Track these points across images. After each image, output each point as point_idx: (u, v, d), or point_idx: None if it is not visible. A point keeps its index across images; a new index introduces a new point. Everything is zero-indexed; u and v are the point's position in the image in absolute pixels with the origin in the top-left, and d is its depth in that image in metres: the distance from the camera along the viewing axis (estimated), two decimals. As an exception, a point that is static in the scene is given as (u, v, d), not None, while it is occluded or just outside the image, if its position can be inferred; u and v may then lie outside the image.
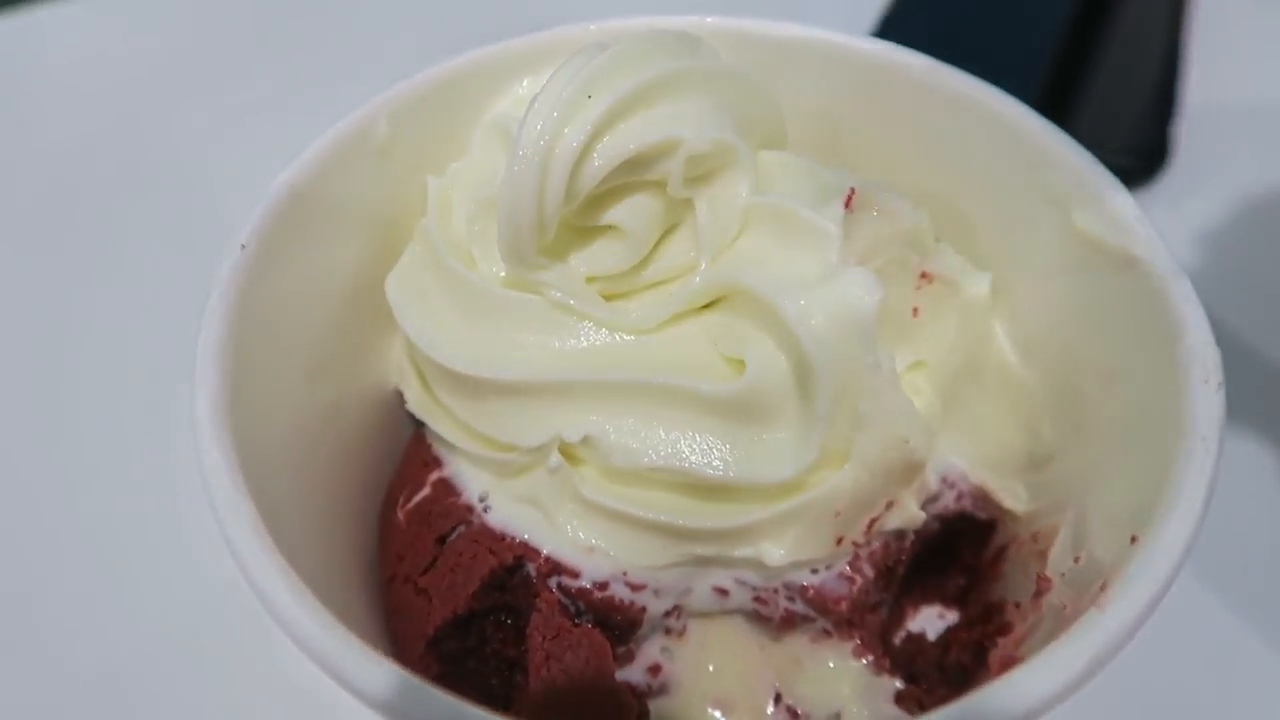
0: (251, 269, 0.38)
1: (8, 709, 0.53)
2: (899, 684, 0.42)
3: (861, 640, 0.42)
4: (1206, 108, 0.80)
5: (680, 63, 0.39)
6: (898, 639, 0.47)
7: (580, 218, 0.39)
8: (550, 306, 0.40)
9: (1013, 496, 0.43)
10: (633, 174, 0.38)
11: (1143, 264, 0.37)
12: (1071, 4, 0.88)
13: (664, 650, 0.41)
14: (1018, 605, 0.42)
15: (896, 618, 0.47)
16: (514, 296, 0.40)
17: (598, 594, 0.39)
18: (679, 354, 0.39)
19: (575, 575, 0.39)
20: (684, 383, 0.37)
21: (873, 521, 0.40)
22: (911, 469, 0.40)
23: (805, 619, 0.41)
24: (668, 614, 0.40)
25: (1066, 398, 0.41)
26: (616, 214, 0.39)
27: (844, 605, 0.40)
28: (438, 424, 0.43)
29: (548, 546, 0.39)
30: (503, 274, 0.41)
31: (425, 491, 0.43)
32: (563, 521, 0.39)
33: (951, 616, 0.48)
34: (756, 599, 0.41)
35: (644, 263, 0.41)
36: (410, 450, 0.46)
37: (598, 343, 0.40)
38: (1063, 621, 0.33)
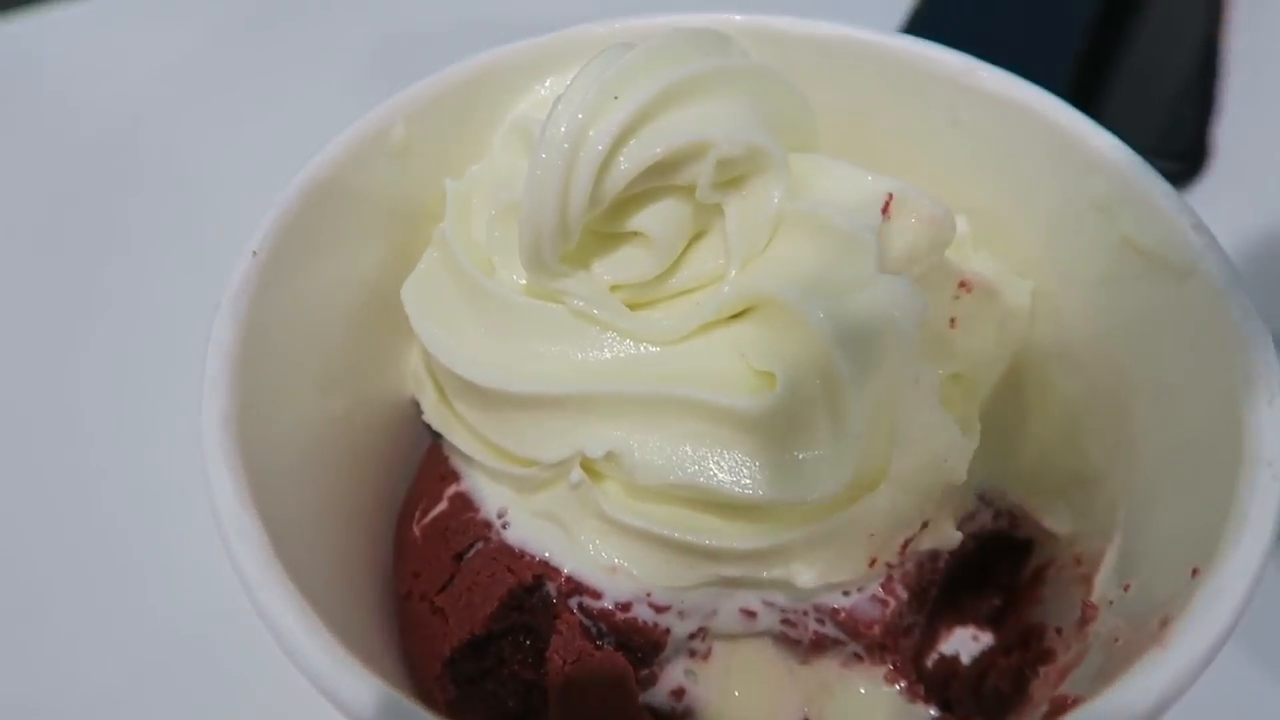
0: (263, 276, 0.37)
1: (16, 712, 0.53)
2: (933, 711, 0.41)
3: (894, 665, 0.41)
4: (1247, 107, 0.78)
5: (710, 62, 0.38)
6: (930, 661, 0.46)
7: (604, 223, 0.38)
8: (572, 316, 0.39)
9: (1053, 516, 0.42)
10: (660, 178, 0.37)
11: (1198, 274, 0.35)
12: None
13: (688, 673, 0.40)
14: (1059, 631, 0.40)
15: (929, 638, 0.46)
16: (535, 305, 0.39)
17: (620, 615, 0.38)
18: (706, 366, 0.38)
19: (597, 596, 0.38)
20: (712, 397, 0.36)
21: (907, 542, 0.39)
22: (949, 488, 0.38)
23: (836, 642, 0.40)
24: (692, 636, 0.39)
25: (1113, 414, 0.39)
26: (642, 220, 0.38)
27: (877, 629, 0.39)
28: (455, 436, 0.42)
29: (569, 565, 0.38)
30: (523, 281, 0.41)
31: (442, 506, 0.42)
32: (584, 540, 0.38)
33: (985, 639, 0.46)
34: (785, 621, 0.39)
35: (670, 271, 0.39)
36: (426, 462, 0.45)
37: (622, 354, 0.39)
38: (1116, 655, 0.31)
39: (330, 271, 0.41)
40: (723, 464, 0.37)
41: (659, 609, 0.38)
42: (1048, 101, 0.42)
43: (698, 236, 0.40)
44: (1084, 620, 0.37)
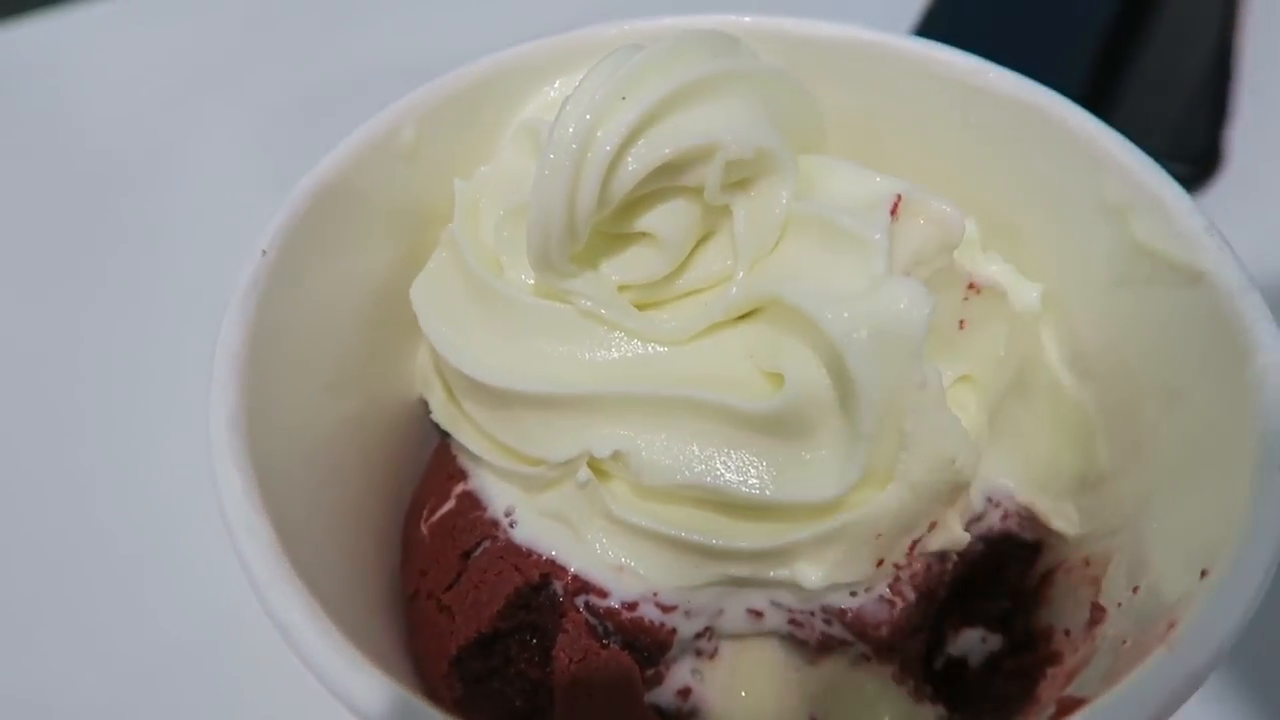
0: (272, 275, 0.37)
1: (17, 713, 0.53)
2: (941, 712, 0.41)
3: (901, 666, 0.41)
4: (1260, 110, 0.77)
5: (718, 63, 0.38)
6: (938, 662, 0.45)
7: (613, 224, 0.38)
8: (580, 316, 0.39)
9: (1063, 518, 0.42)
10: (668, 179, 0.37)
11: (1209, 277, 0.35)
12: (1115, 2, 0.86)
13: (694, 672, 0.40)
14: (1067, 633, 0.40)
15: (936, 639, 0.46)
16: (543, 305, 0.39)
17: (626, 615, 0.38)
18: (714, 367, 0.38)
19: (604, 595, 0.38)
20: (719, 397, 0.36)
21: (915, 543, 0.39)
22: (957, 489, 0.38)
23: (843, 643, 0.40)
24: (699, 636, 0.39)
25: (1123, 417, 0.39)
26: (650, 220, 0.38)
27: (884, 630, 0.39)
28: (463, 435, 0.42)
29: (575, 564, 0.38)
30: (532, 282, 0.41)
31: (450, 505, 0.42)
32: (591, 539, 0.38)
33: (994, 640, 0.46)
34: (792, 622, 0.39)
35: (678, 271, 0.39)
36: (434, 461, 0.46)
37: (629, 354, 0.39)
38: (1123, 657, 0.31)
39: (339, 271, 0.41)
40: (730, 464, 0.37)
41: (665, 608, 0.38)
42: (1058, 103, 0.42)
43: (706, 237, 0.40)
44: (1092, 622, 0.37)
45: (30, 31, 0.96)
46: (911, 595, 0.39)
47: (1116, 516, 0.39)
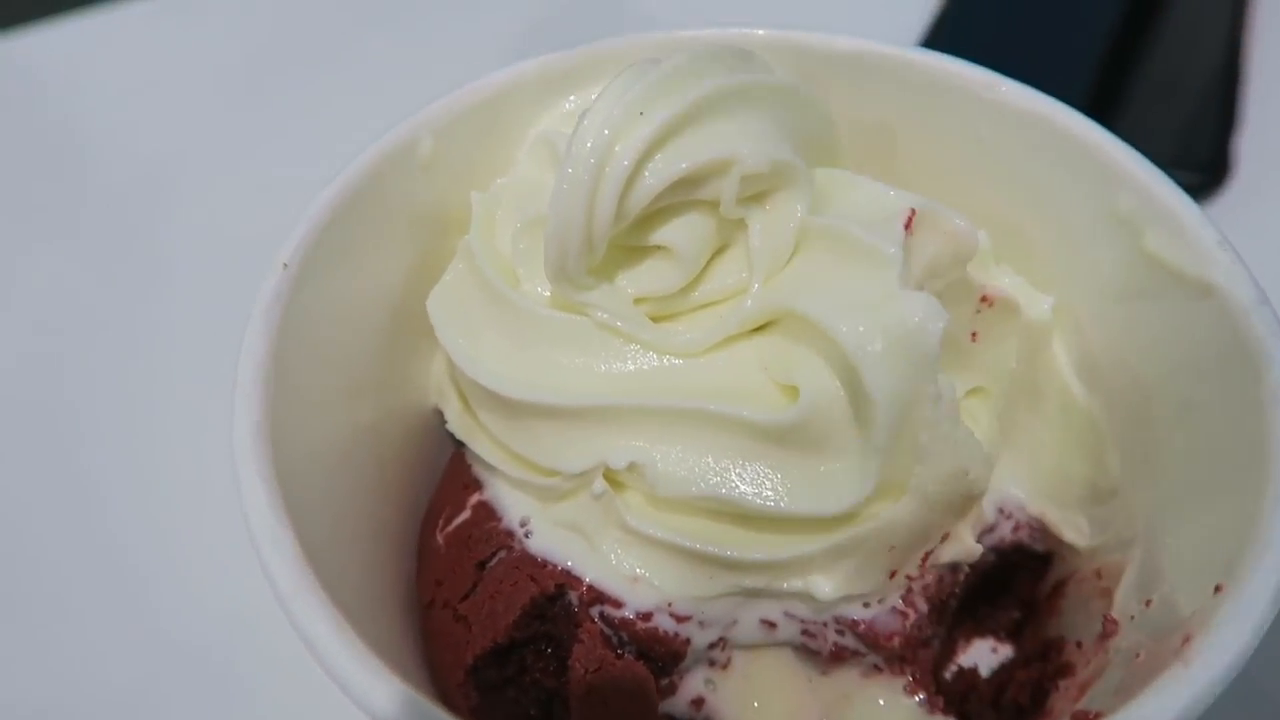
0: (294, 287, 0.37)
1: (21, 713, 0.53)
2: (953, 722, 0.41)
3: (914, 677, 0.41)
4: (1269, 118, 0.77)
5: (734, 78, 0.38)
6: (949, 673, 0.46)
7: (629, 237, 0.38)
8: (596, 328, 0.39)
9: (1074, 529, 0.42)
10: (684, 193, 0.37)
11: (1221, 291, 0.35)
12: (1121, 8, 0.86)
13: (708, 682, 0.40)
14: (1079, 645, 0.40)
15: (947, 650, 0.46)
16: (559, 317, 0.40)
17: (641, 625, 0.38)
18: (729, 379, 0.38)
19: (618, 605, 0.38)
20: (734, 410, 0.36)
21: (927, 555, 0.39)
22: (970, 501, 0.38)
23: (855, 654, 0.40)
24: (712, 646, 0.39)
25: (1134, 429, 0.39)
26: (666, 234, 0.38)
27: (896, 641, 0.39)
28: (478, 445, 0.42)
29: (590, 575, 0.39)
30: (548, 293, 0.41)
31: (465, 515, 0.43)
32: (606, 550, 0.39)
33: (1005, 651, 0.46)
34: (805, 632, 0.40)
35: (694, 284, 0.40)
36: (450, 471, 0.46)
37: (645, 366, 0.39)
38: (1137, 671, 0.31)
39: (358, 283, 0.41)
40: (744, 476, 0.37)
41: (680, 619, 0.38)
42: (1070, 116, 0.42)
43: (721, 250, 0.40)
44: (1104, 635, 0.37)
45: (45, 38, 0.97)
46: (924, 606, 0.40)
47: (1128, 528, 0.39)
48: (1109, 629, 0.36)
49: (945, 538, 0.39)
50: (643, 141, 0.35)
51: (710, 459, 0.37)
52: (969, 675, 0.45)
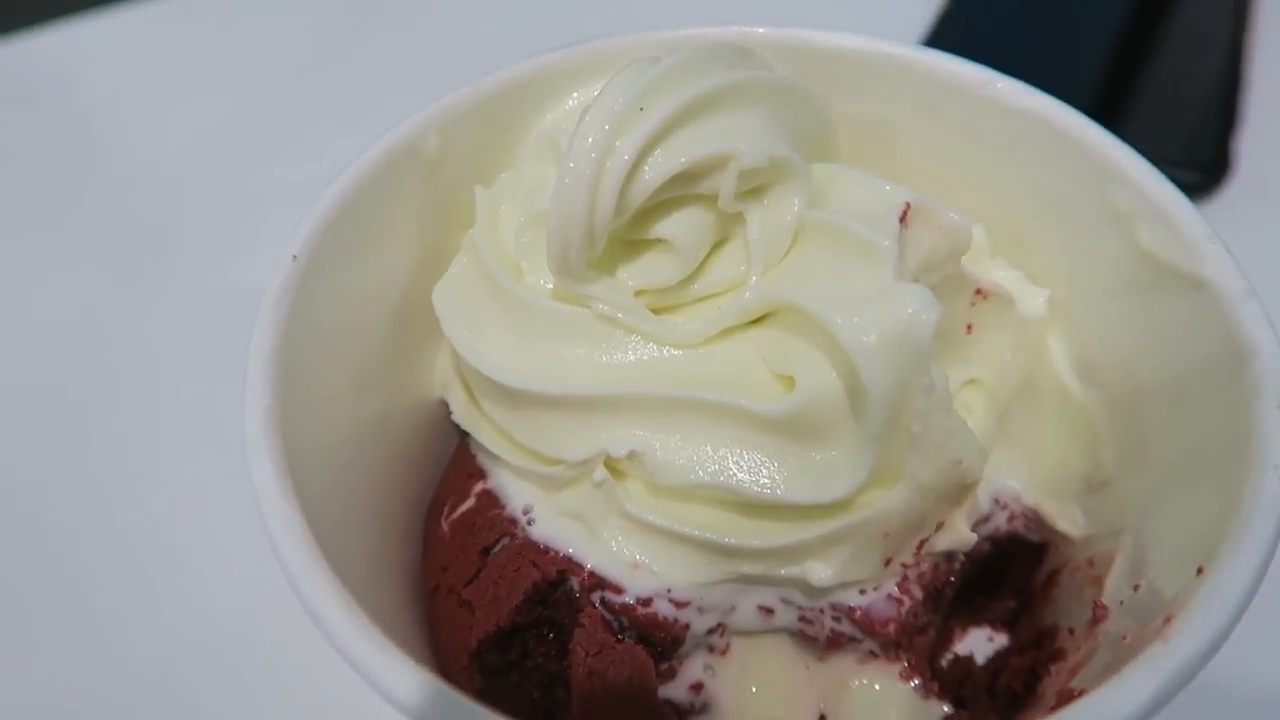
0: (303, 280, 0.38)
1: (57, 708, 0.54)
2: (947, 708, 0.42)
3: (909, 663, 0.41)
4: (1269, 118, 0.78)
5: (733, 75, 0.39)
6: (945, 661, 0.46)
7: (630, 231, 0.39)
8: (598, 319, 0.40)
9: (1068, 520, 0.43)
10: (684, 187, 0.38)
11: (1211, 285, 0.36)
12: (1125, 9, 0.86)
13: (706, 668, 0.41)
14: (1071, 631, 0.41)
15: (944, 638, 0.46)
16: (561, 309, 0.40)
17: (641, 610, 0.38)
18: (728, 369, 0.39)
19: (619, 591, 0.39)
20: (733, 399, 0.37)
21: (922, 543, 0.40)
22: (963, 490, 0.39)
23: (852, 640, 0.41)
24: (711, 631, 0.40)
25: (1127, 420, 0.40)
26: (666, 227, 0.39)
27: (892, 627, 0.40)
28: (482, 435, 0.43)
29: (592, 561, 0.39)
30: (550, 286, 0.41)
31: (470, 503, 0.43)
32: (607, 537, 0.39)
33: (1000, 639, 0.47)
34: (802, 619, 0.40)
35: (693, 276, 0.40)
36: (455, 460, 0.46)
37: (645, 357, 0.40)
38: (1123, 652, 0.32)
39: (365, 275, 0.42)
40: (742, 464, 0.37)
41: (679, 605, 0.38)
42: (1065, 113, 0.43)
43: (720, 243, 0.41)
44: (1095, 620, 0.37)
45: (59, 38, 0.98)
46: (919, 594, 0.40)
47: (1120, 518, 0.39)
48: (1099, 614, 0.37)
49: (940, 526, 0.39)
50: (643, 137, 0.36)
51: (709, 448, 0.38)
52: (965, 662, 0.45)
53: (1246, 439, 0.32)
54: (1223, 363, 0.35)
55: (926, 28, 0.85)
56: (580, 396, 0.39)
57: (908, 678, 0.41)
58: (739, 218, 0.40)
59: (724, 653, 0.41)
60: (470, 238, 0.44)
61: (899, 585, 0.40)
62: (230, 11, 1.00)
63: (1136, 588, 0.35)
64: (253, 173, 0.82)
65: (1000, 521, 0.44)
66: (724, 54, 0.40)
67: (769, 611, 0.40)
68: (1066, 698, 0.32)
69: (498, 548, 0.41)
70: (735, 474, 0.37)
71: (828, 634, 0.40)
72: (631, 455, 0.38)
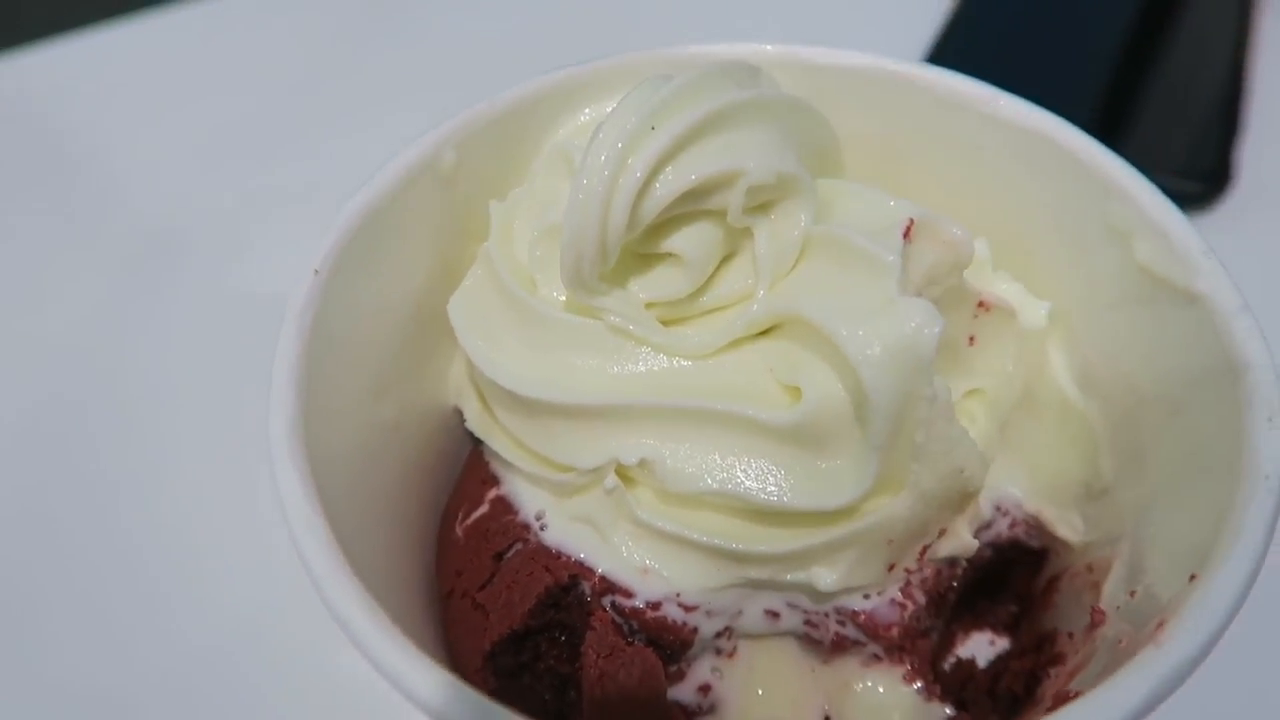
0: (324, 292, 0.39)
1: (75, 703, 0.54)
2: (949, 710, 0.42)
3: (912, 666, 0.42)
4: (1271, 128, 0.78)
5: (742, 94, 0.39)
6: (947, 664, 0.47)
7: (641, 245, 0.40)
8: (610, 331, 0.40)
9: (1068, 526, 0.43)
10: (693, 203, 0.38)
11: (1205, 300, 0.37)
12: (1127, 20, 0.87)
13: (714, 670, 0.41)
14: (1070, 635, 0.42)
15: (946, 643, 0.47)
16: (574, 320, 0.41)
17: (651, 614, 0.39)
18: (736, 380, 0.40)
19: (629, 595, 0.39)
20: (741, 409, 0.38)
21: (925, 549, 0.40)
22: (966, 497, 0.40)
23: (856, 643, 0.41)
24: (719, 635, 0.40)
25: (1125, 429, 0.41)
26: (676, 242, 0.40)
27: (895, 631, 0.40)
28: (496, 443, 0.44)
29: (603, 566, 0.40)
30: (563, 298, 0.42)
31: (483, 509, 0.44)
32: (618, 542, 0.40)
33: (1002, 643, 0.47)
34: (807, 623, 0.41)
35: (702, 290, 0.41)
36: (469, 467, 0.47)
37: (655, 367, 0.40)
38: (1118, 656, 0.32)
39: (384, 288, 0.43)
40: (750, 472, 0.38)
41: (687, 608, 0.39)
42: (1066, 130, 0.43)
43: (728, 257, 0.41)
44: (1093, 625, 0.38)
45: (64, 52, 0.98)
46: (921, 599, 0.41)
47: (1118, 525, 0.40)
48: (1097, 619, 0.38)
49: (943, 533, 0.40)
50: (654, 155, 0.36)
51: (717, 456, 0.38)
52: (966, 666, 0.46)
53: (1238, 450, 0.32)
54: (1217, 375, 0.35)
55: (932, 38, 0.86)
56: (592, 406, 0.39)
57: (911, 680, 0.42)
58: (747, 232, 0.40)
59: (731, 655, 0.41)
60: (485, 250, 0.44)
61: (902, 590, 0.41)
62: (228, 21, 1.00)
63: (1133, 593, 0.36)
64: (253, 179, 0.83)
65: (1002, 528, 0.44)
66: (733, 73, 0.41)
67: (775, 615, 0.40)
68: (1062, 700, 0.33)
69: (511, 553, 0.42)
70: (743, 481, 0.38)
71: (832, 637, 0.41)
72: (642, 463, 0.39)
